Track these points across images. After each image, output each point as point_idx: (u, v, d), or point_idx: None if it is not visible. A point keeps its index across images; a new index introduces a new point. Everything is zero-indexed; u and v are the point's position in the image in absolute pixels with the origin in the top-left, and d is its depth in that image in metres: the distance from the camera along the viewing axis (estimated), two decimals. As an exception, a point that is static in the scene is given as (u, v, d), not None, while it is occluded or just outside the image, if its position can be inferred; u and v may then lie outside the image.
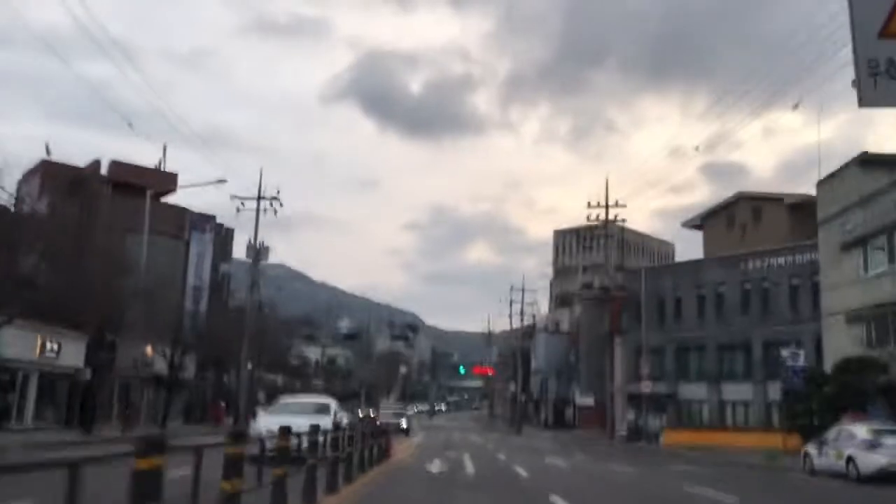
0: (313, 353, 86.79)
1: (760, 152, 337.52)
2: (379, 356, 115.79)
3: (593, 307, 64.60)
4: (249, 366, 61.27)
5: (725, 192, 56.45)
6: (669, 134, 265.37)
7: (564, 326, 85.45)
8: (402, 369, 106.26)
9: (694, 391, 43.51)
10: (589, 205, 46.16)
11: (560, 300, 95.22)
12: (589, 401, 63.80)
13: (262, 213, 43.37)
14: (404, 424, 39.38)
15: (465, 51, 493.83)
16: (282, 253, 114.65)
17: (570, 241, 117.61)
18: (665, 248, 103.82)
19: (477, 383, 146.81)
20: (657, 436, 40.86)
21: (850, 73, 6.28)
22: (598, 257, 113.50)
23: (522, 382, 72.29)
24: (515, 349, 74.63)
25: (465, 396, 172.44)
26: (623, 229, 48.01)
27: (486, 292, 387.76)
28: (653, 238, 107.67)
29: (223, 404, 42.45)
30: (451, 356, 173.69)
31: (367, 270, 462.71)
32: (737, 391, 41.19)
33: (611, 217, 45.75)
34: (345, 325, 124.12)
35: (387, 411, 46.42)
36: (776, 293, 39.74)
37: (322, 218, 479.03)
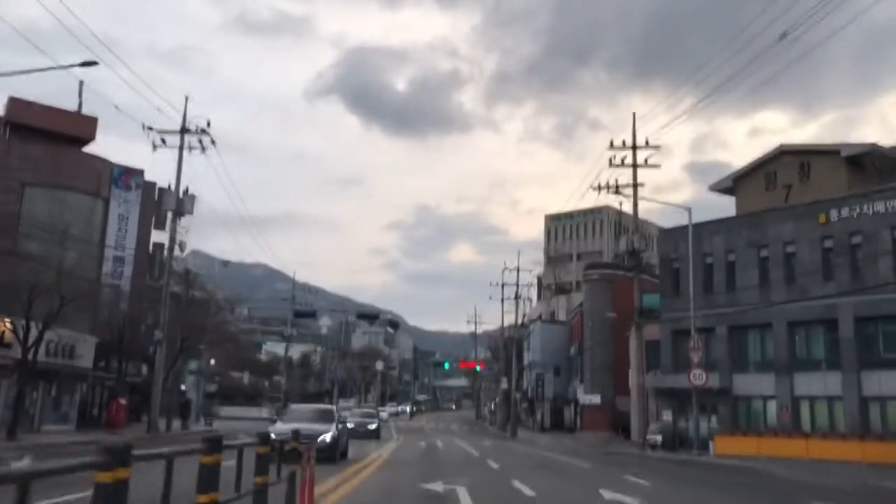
0: (294, 351, 77.49)
1: (745, 151, 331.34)
2: (356, 353, 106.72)
3: (602, 289, 55.65)
4: (207, 364, 51.55)
5: (714, 192, 46.19)
6: (655, 132, 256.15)
7: (561, 317, 76.60)
8: (379, 365, 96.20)
9: (755, 384, 32.98)
10: (612, 145, 36.06)
11: (557, 289, 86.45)
12: (595, 399, 55.91)
13: (187, 151, 34.52)
14: (328, 439, 19.37)
15: (452, 47, 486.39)
16: (261, 253, 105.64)
17: (563, 227, 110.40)
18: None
19: (461, 382, 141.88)
20: (706, 443, 30.96)
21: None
22: (591, 244, 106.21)
23: (515, 379, 62.59)
24: (508, 340, 64.80)
25: (449, 396, 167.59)
26: (620, 211, 37.85)
27: (469, 293, 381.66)
28: (652, 223, 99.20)
29: (123, 402, 31.82)
30: (433, 355, 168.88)
31: (350, 270, 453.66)
32: (817, 384, 30.83)
33: (640, 162, 35.93)
34: (324, 322, 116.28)
35: (299, 416, 21.29)
36: (870, 251, 29.59)
37: (305, 216, 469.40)
